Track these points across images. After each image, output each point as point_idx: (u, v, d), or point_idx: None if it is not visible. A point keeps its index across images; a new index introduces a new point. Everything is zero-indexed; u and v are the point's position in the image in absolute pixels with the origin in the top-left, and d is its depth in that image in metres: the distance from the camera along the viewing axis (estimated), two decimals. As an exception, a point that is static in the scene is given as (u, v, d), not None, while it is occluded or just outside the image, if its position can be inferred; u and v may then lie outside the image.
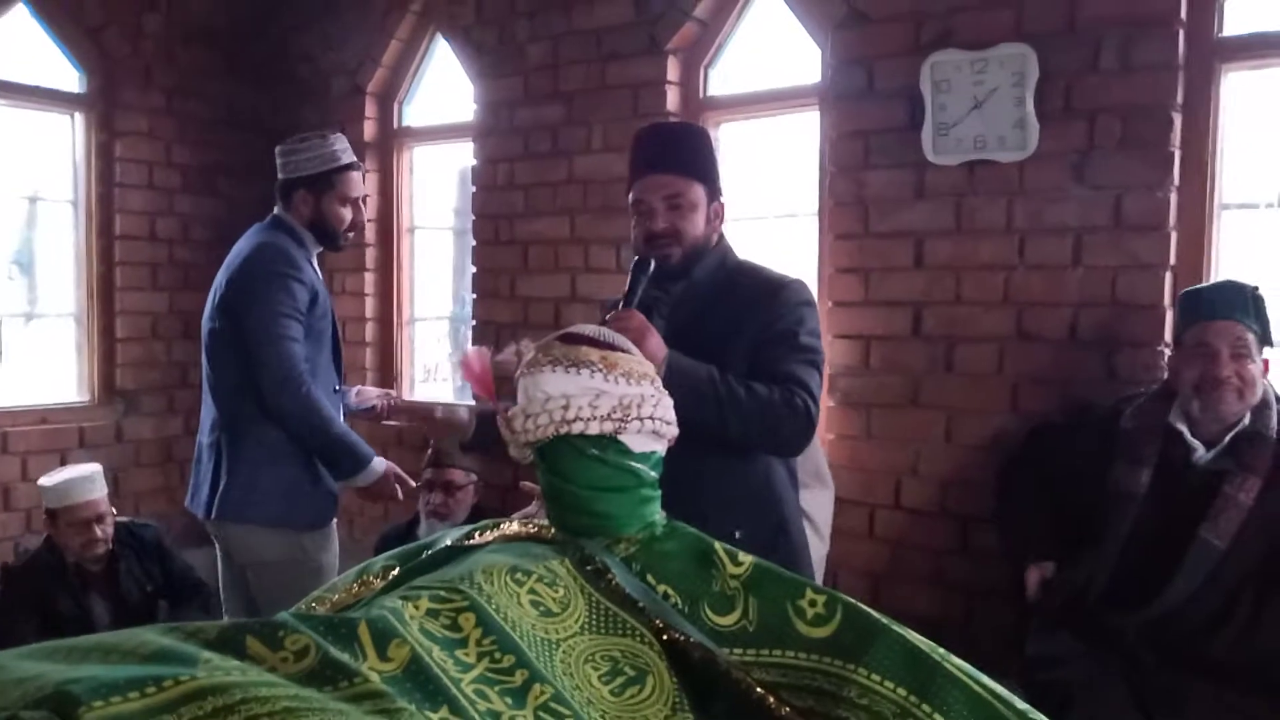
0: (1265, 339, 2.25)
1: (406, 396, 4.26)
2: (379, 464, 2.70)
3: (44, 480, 3.20)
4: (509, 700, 1.04)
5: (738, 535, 1.94)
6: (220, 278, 2.73)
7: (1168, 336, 2.63)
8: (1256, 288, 2.26)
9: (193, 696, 0.85)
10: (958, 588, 2.91)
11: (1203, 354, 2.20)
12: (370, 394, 3.08)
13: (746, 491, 2.01)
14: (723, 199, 2.09)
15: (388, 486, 2.72)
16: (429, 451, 3.43)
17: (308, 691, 0.90)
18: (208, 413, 2.76)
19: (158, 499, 4.04)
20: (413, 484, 2.80)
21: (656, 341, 1.85)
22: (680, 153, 2.03)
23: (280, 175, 2.77)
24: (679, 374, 1.83)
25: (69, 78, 4.00)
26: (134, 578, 3.26)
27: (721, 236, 2.10)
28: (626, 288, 1.98)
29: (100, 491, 3.20)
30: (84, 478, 3.18)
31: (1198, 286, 2.39)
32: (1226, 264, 2.65)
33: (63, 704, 0.83)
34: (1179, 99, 2.60)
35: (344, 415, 2.93)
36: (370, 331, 4.27)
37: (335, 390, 2.83)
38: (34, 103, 3.93)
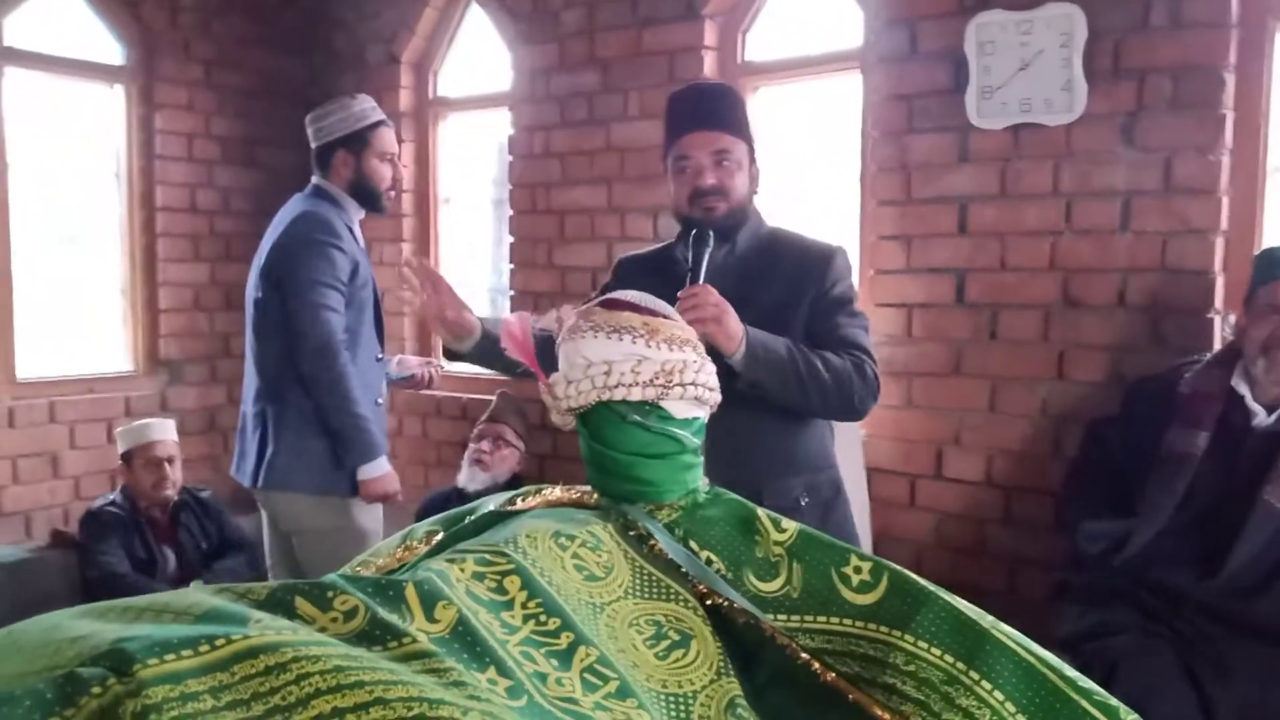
0: None
1: (446, 367, 4.28)
2: (386, 463, 2.72)
3: (120, 428, 3.55)
4: (555, 662, 1.04)
5: (803, 502, 1.95)
6: (263, 246, 2.76)
7: (1218, 303, 2.57)
8: None
9: (245, 655, 0.86)
10: (1001, 557, 2.88)
11: (1273, 314, 2.17)
12: (411, 362, 3.10)
13: (805, 454, 2.03)
14: (759, 164, 2.08)
15: (390, 487, 2.72)
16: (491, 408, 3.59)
17: (358, 651, 0.90)
18: (251, 382, 2.79)
19: (201, 467, 4.10)
20: (400, 499, 2.81)
21: (735, 319, 1.81)
22: (724, 110, 2.02)
23: (314, 142, 2.78)
24: (761, 349, 1.83)
25: (110, 50, 4.03)
26: (192, 534, 3.50)
27: (753, 202, 2.09)
28: (690, 263, 1.90)
29: (172, 436, 3.52)
30: (159, 422, 3.55)
31: (1274, 245, 2.33)
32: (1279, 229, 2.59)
33: (119, 661, 0.84)
34: (1231, 58, 2.53)
35: (385, 383, 2.96)
36: (408, 302, 4.29)
37: (377, 359, 2.85)
38: (76, 75, 3.96)
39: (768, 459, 1.94)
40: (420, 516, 3.10)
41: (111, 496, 3.50)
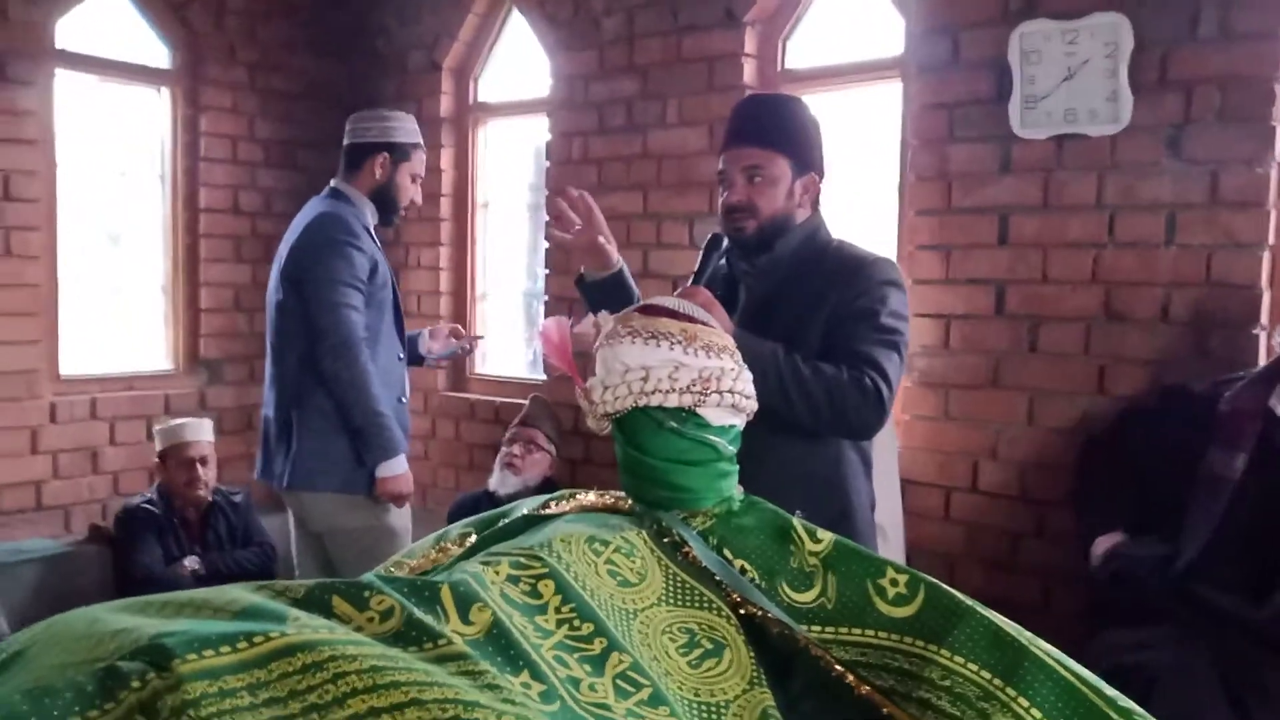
0: None
1: (479, 370, 4.31)
2: (404, 462, 2.72)
3: (158, 425, 3.59)
4: (588, 668, 1.04)
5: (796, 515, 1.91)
6: (282, 249, 2.78)
7: (1264, 319, 2.52)
8: None
9: (282, 653, 0.87)
10: (1034, 572, 2.84)
11: None
12: (441, 333, 3.11)
13: (812, 474, 1.94)
14: (816, 175, 2.03)
15: (404, 488, 2.73)
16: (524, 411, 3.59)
17: (394, 651, 0.91)
18: (274, 385, 2.80)
19: (239, 466, 4.14)
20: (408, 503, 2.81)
21: (721, 317, 1.80)
22: (764, 125, 1.99)
23: (353, 140, 2.80)
24: (743, 351, 1.80)
25: (158, 54, 4.10)
26: (219, 536, 3.54)
27: (815, 213, 2.05)
28: (698, 265, 1.97)
29: (207, 437, 3.55)
30: (195, 423, 3.58)
31: None
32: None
33: (158, 656, 0.85)
34: (1282, 69, 2.49)
35: (417, 363, 3.01)
36: (444, 305, 4.32)
37: (399, 358, 2.86)
38: (124, 78, 4.03)
39: (768, 475, 1.77)
40: (451, 519, 3.12)
41: (148, 494, 3.55)
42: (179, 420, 3.61)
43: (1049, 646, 1.16)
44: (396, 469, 2.70)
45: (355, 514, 2.72)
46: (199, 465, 3.48)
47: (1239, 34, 2.50)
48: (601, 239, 2.08)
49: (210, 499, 3.54)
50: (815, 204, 2.05)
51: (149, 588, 2.95)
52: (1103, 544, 2.37)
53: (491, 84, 4.27)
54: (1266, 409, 2.17)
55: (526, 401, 3.67)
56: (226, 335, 4.26)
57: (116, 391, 3.96)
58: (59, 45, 3.74)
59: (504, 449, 3.51)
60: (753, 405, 1.41)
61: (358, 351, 2.62)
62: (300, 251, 2.67)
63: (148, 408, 4.00)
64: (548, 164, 3.91)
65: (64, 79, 3.78)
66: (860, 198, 3.32)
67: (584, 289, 2.14)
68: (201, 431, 3.55)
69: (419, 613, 0.98)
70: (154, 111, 4.13)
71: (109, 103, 4.04)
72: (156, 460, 3.55)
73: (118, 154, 4.11)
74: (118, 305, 4.20)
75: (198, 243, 4.17)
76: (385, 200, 2.81)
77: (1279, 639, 2.04)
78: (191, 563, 3.43)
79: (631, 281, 2.13)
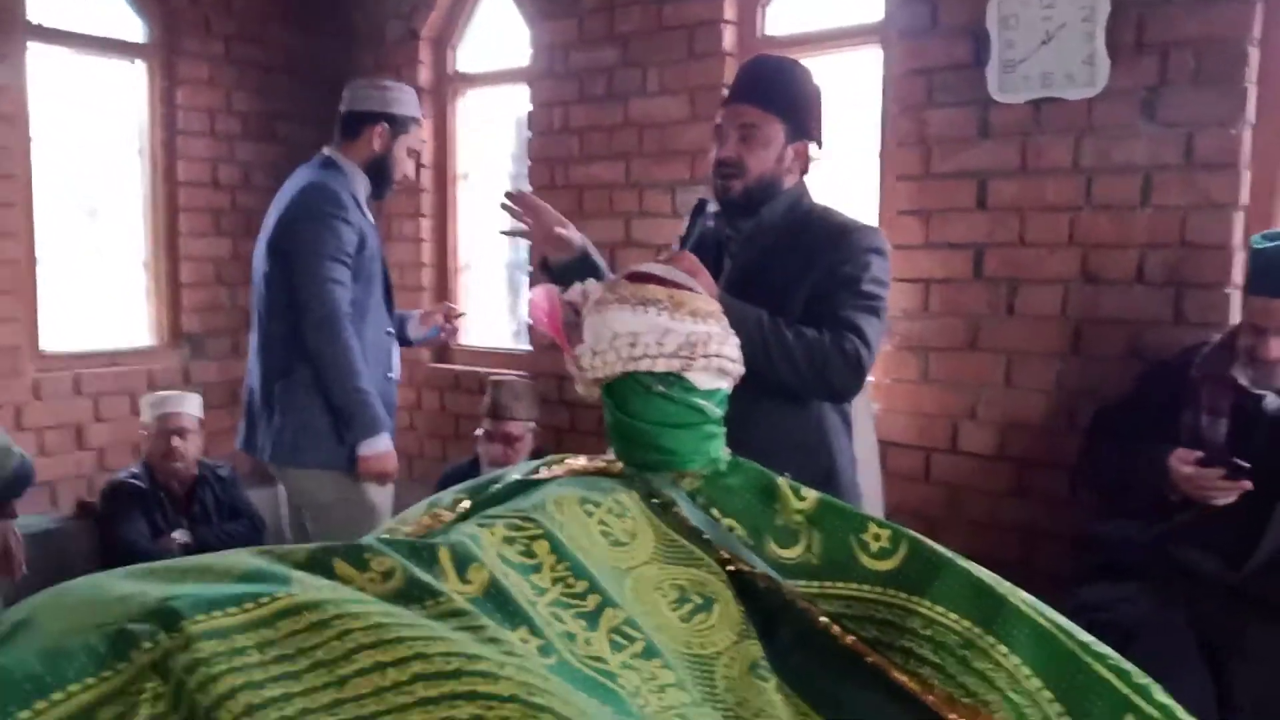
0: None
1: (462, 341, 4.31)
2: (388, 440, 2.69)
3: (144, 398, 3.63)
4: (583, 623, 1.07)
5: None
6: (269, 219, 2.74)
7: (1236, 278, 2.57)
8: None
9: (289, 611, 0.89)
10: (1014, 530, 2.90)
11: (1254, 330, 2.14)
12: (432, 317, 3.09)
13: (796, 437, 1.99)
14: (810, 144, 2.05)
15: (387, 466, 2.70)
16: (486, 400, 3.48)
17: (396, 609, 0.94)
18: (259, 357, 2.78)
19: (224, 440, 4.13)
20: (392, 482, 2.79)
21: (707, 282, 1.83)
22: (764, 86, 2.01)
23: (353, 106, 2.75)
24: (728, 315, 1.82)
25: (132, 27, 4.05)
26: (206, 509, 3.56)
27: (800, 181, 2.07)
28: (685, 229, 1.98)
29: (189, 410, 3.55)
30: (177, 395, 3.60)
31: (1264, 246, 2.21)
32: (1301, 203, 2.58)
33: (167, 617, 0.87)
34: (1255, 31, 2.51)
35: (406, 344, 3.00)
36: (426, 277, 4.32)
37: (388, 332, 2.86)
38: (99, 51, 3.99)
39: (754, 439, 1.80)
40: (440, 488, 3.14)
41: (133, 469, 3.56)
42: (165, 392, 3.62)
43: (1027, 595, 1.21)
44: (378, 447, 2.66)
45: (332, 488, 2.71)
46: (176, 437, 3.47)
47: (1213, -4, 2.52)
48: (558, 229, 2.06)
49: (193, 472, 3.54)
50: (804, 171, 2.07)
51: (137, 561, 2.97)
52: (1184, 458, 2.15)
53: (470, 54, 4.25)
54: (1229, 378, 2.19)
55: (487, 390, 3.49)
56: (208, 309, 4.25)
57: (99, 367, 3.94)
58: (31, 19, 3.70)
59: (484, 447, 3.40)
60: (739, 369, 1.45)
61: (340, 327, 2.59)
62: (286, 223, 2.65)
63: (131, 383, 3.99)
64: (529, 134, 3.90)
65: (37, 53, 3.73)
66: (842, 163, 3.34)
67: (552, 276, 2.12)
68: (183, 403, 3.55)
69: (419, 572, 1.01)
70: (130, 85, 4.09)
71: (84, 76, 3.99)
72: (142, 432, 3.55)
73: (94, 128, 4.07)
74: (98, 281, 4.18)
75: (177, 217, 4.15)
76: (380, 172, 2.78)
77: (1256, 597, 2.09)
78: (180, 536, 3.44)
79: (599, 259, 2.12)
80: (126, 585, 0.99)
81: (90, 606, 0.94)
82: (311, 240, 2.60)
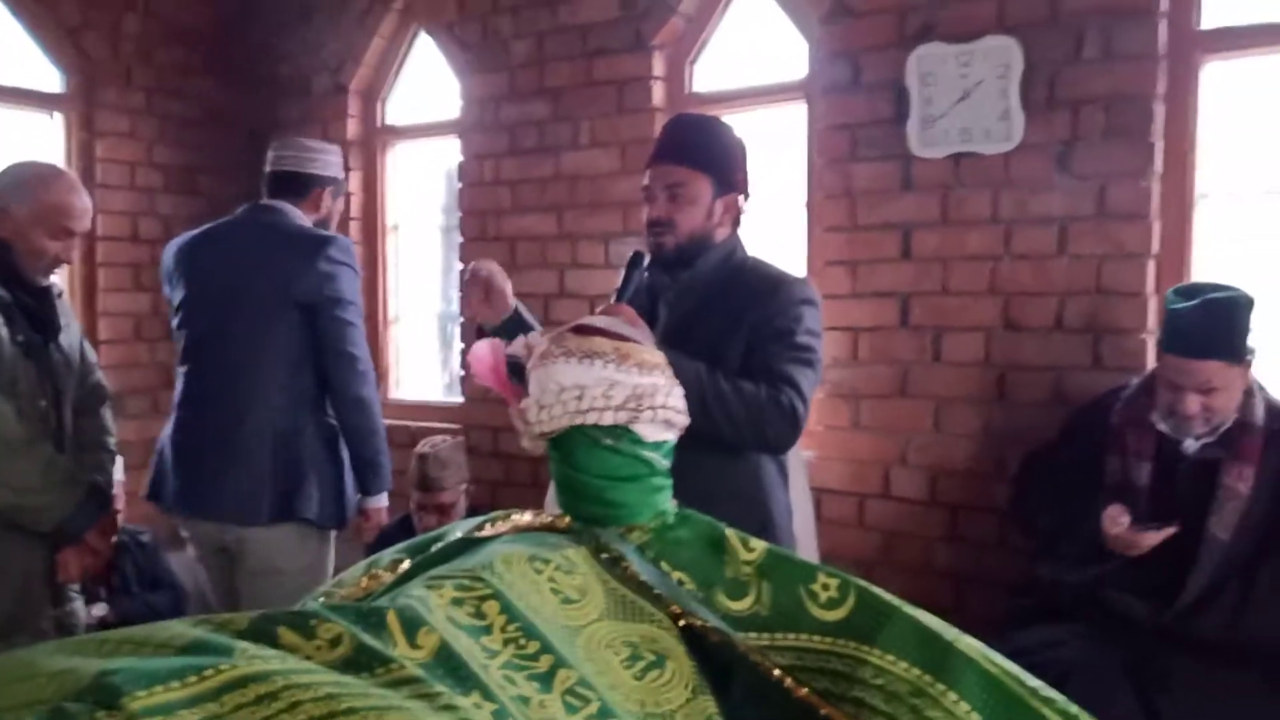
0: (1243, 354, 2.17)
1: (393, 395, 4.25)
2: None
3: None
4: (536, 685, 1.06)
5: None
6: (288, 265, 2.56)
7: (1151, 324, 2.67)
8: (1240, 301, 2.16)
9: (235, 684, 0.86)
10: (947, 575, 2.94)
11: (1171, 386, 2.19)
12: None
13: (733, 487, 1.99)
14: (739, 196, 2.08)
15: (385, 518, 2.77)
16: (413, 472, 3.30)
17: (346, 678, 0.91)
18: (247, 408, 2.56)
19: (144, 503, 3.99)
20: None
21: (645, 334, 1.84)
22: (688, 145, 2.05)
23: (305, 169, 2.69)
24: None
25: (49, 78, 3.96)
26: (125, 577, 3.40)
27: (734, 233, 2.11)
28: (621, 282, 2.00)
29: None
30: None
31: (1179, 305, 2.20)
32: (1207, 252, 2.69)
33: (104, 695, 0.84)
34: (1160, 89, 2.64)
35: None
36: (356, 330, 4.26)
37: None
38: (14, 103, 3.89)
39: (691, 489, 1.72)
40: (374, 548, 3.05)
41: None
42: None
43: (973, 641, 1.23)
44: (385, 500, 2.73)
45: (315, 546, 2.62)
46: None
47: (1120, 56, 2.65)
48: (499, 304, 2.07)
49: (116, 538, 3.38)
50: (736, 224, 2.11)
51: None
52: (1115, 512, 2.21)
53: (399, 106, 4.25)
54: (1149, 422, 2.25)
55: (414, 463, 3.32)
56: (127, 367, 4.12)
57: (11, 428, 3.78)
58: (-57, 70, 3.60)
59: (418, 517, 3.29)
60: (684, 420, 1.45)
61: (373, 376, 2.64)
62: (317, 275, 2.53)
63: (45, 444, 3.83)
64: (459, 185, 3.90)
65: (-51, 105, 3.64)
66: (772, 215, 3.40)
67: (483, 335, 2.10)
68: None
69: (368, 638, 0.98)
70: (47, 138, 3.98)
71: (-2, 129, 3.89)
72: None
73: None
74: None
75: (95, 272, 4.04)
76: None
77: (1183, 636, 2.14)
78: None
79: (530, 318, 2.11)
80: (59, 660, 0.94)
81: (22, 685, 0.90)
82: (349, 291, 2.59)
